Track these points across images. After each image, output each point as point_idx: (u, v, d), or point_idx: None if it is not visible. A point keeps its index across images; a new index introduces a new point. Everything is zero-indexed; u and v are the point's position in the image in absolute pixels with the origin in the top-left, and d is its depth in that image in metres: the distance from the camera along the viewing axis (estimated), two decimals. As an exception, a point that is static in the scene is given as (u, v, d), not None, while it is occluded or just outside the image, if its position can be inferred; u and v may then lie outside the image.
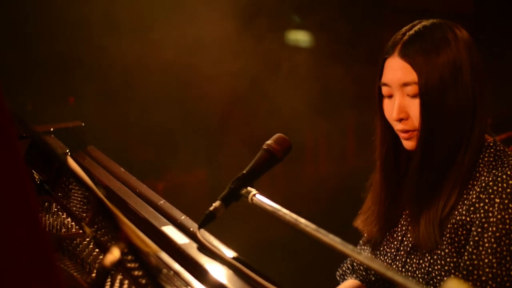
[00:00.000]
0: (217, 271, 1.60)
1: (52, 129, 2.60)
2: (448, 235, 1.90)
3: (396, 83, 1.94)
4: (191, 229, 1.84)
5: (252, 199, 1.69)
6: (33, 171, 2.13)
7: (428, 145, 1.93)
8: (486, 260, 1.80)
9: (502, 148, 1.96)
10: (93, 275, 1.66)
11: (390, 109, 1.97)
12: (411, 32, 1.94)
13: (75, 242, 1.82)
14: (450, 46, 1.90)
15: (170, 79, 4.58)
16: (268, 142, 1.87)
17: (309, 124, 4.81)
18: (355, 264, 2.29)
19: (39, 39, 4.21)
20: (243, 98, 4.79)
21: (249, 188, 1.73)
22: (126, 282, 1.54)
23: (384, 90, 1.99)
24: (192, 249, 1.71)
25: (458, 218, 1.89)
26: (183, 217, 1.93)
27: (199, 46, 4.60)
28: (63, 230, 1.92)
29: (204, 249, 1.70)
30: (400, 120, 1.95)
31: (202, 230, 1.76)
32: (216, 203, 1.75)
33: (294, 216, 1.54)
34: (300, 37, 5.27)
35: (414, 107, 1.92)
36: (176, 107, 4.67)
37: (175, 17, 4.52)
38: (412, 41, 1.92)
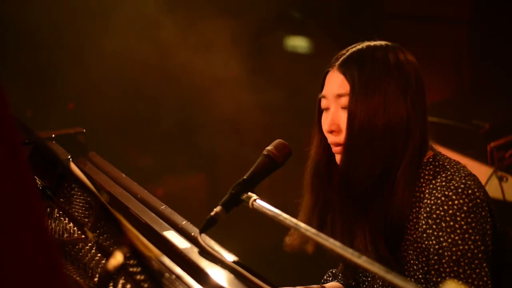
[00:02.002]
0: (218, 275, 1.61)
1: (53, 135, 2.61)
2: (412, 262, 1.92)
3: (331, 94, 1.96)
4: (192, 233, 1.86)
5: (252, 204, 1.70)
6: (35, 177, 2.14)
7: (352, 161, 1.93)
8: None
9: (441, 162, 1.94)
10: (96, 279, 1.68)
11: (325, 122, 1.99)
12: (354, 49, 1.97)
13: (77, 247, 1.84)
14: (389, 67, 1.91)
15: (168, 85, 4.61)
16: (268, 148, 1.88)
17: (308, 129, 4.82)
18: (335, 271, 2.31)
19: (37, 45, 4.23)
20: (240, 105, 4.82)
21: (249, 193, 1.74)
22: (128, 286, 1.56)
23: (322, 103, 2.01)
24: (193, 253, 1.72)
25: (415, 245, 1.90)
26: (184, 222, 1.94)
27: (206, 50, 4.62)
28: (66, 235, 1.93)
29: (205, 253, 1.72)
30: (331, 132, 1.96)
31: (203, 235, 1.77)
32: (217, 208, 1.75)
33: (295, 220, 1.55)
34: (299, 43, 5.30)
35: (346, 120, 1.93)
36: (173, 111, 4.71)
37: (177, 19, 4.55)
38: (352, 56, 1.95)
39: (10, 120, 0.88)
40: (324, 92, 2.00)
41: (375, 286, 2.05)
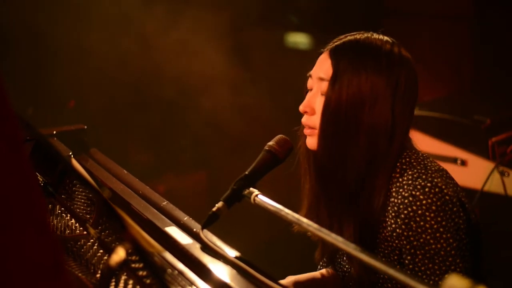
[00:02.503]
0: (221, 271, 1.61)
1: (54, 132, 2.61)
2: (383, 259, 1.91)
3: (315, 76, 1.98)
4: (194, 229, 1.86)
5: (254, 200, 1.71)
6: (36, 173, 2.14)
7: (326, 149, 1.93)
8: (431, 282, 1.80)
9: (408, 159, 1.93)
10: (98, 275, 1.68)
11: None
12: (351, 37, 1.96)
13: (79, 243, 1.84)
14: (380, 64, 1.89)
15: (168, 83, 4.61)
16: (270, 143, 1.89)
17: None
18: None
19: (39, 41, 4.23)
20: (240, 100, 4.82)
21: (251, 188, 1.75)
22: (130, 282, 1.56)
23: (308, 82, 2.02)
24: (195, 249, 1.72)
25: (385, 244, 1.90)
26: (186, 218, 1.94)
27: (200, 52, 4.63)
28: (67, 231, 1.93)
29: (207, 249, 1.72)
30: (305, 112, 1.98)
31: (205, 231, 1.77)
32: (219, 204, 1.76)
33: (296, 216, 1.55)
34: (299, 39, 5.29)
35: (321, 106, 1.93)
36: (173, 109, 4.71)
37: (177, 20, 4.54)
38: (344, 44, 1.94)
39: (12, 117, 0.88)
40: (311, 72, 2.01)
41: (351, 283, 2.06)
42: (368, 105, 1.87)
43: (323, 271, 2.26)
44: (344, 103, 1.88)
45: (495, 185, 3.65)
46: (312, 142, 1.97)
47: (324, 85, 1.92)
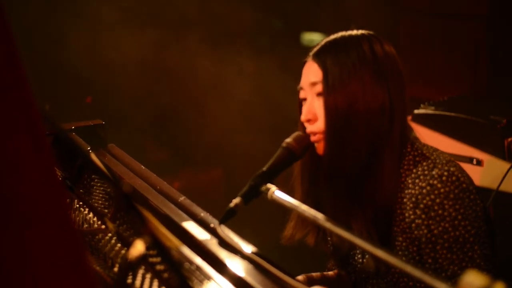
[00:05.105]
0: (237, 266, 1.62)
1: (73, 127, 2.62)
2: (400, 253, 1.92)
3: (306, 83, 2.01)
4: (211, 225, 1.87)
5: (271, 196, 1.72)
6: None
7: (336, 146, 1.95)
8: (449, 272, 1.83)
9: (419, 151, 1.96)
10: (115, 269, 1.69)
11: (302, 112, 2.03)
12: (328, 38, 2.02)
13: (97, 237, 1.85)
14: (363, 54, 1.94)
15: (183, 81, 4.62)
16: (287, 140, 1.90)
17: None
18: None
19: (54, 40, 4.26)
20: (254, 95, 4.83)
21: (268, 184, 1.76)
22: (148, 276, 1.57)
23: (301, 94, 2.05)
24: (212, 244, 1.73)
25: (404, 236, 1.91)
26: (203, 214, 1.95)
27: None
28: (85, 225, 1.95)
29: (224, 244, 1.73)
30: (308, 121, 2.00)
31: (222, 226, 1.78)
32: (236, 200, 1.77)
33: (313, 212, 1.56)
34: (314, 38, 5.31)
35: (321, 108, 1.96)
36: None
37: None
38: (325, 46, 2.00)
39: (36, 112, 0.89)
40: (301, 83, 2.04)
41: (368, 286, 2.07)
42: (362, 91, 1.91)
43: (334, 271, 2.27)
44: (341, 95, 1.91)
45: (510, 185, 3.64)
46: (321, 147, 1.99)
47: (318, 87, 1.96)
